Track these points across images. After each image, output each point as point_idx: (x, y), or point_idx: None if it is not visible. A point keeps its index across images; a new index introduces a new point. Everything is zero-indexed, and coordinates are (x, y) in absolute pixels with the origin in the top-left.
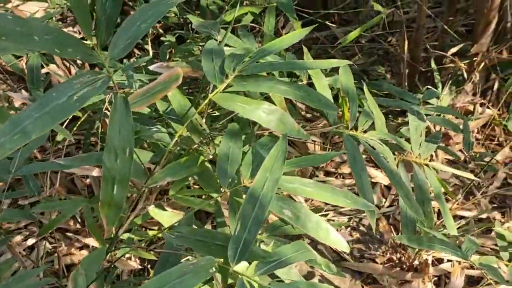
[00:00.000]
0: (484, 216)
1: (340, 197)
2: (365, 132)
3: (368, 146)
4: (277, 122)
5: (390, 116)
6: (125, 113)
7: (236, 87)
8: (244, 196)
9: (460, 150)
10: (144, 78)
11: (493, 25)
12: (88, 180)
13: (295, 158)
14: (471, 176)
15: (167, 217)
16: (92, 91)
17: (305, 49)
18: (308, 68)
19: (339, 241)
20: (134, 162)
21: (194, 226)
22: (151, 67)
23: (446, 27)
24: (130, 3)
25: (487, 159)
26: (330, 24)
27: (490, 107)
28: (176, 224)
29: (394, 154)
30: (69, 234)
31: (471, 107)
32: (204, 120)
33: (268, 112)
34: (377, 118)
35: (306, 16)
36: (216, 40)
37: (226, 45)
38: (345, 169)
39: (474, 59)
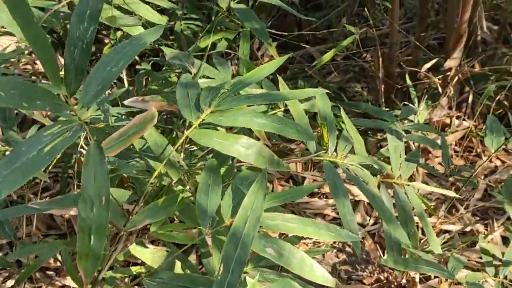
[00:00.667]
0: (468, 229)
1: (323, 230)
2: (346, 156)
3: (349, 172)
4: (256, 156)
5: (369, 132)
6: (99, 160)
7: (212, 122)
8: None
9: (440, 163)
10: (121, 110)
11: (463, 40)
12: (67, 215)
13: (276, 192)
14: (452, 194)
15: (149, 254)
16: (64, 141)
17: (279, 79)
18: (284, 99)
19: (325, 277)
20: (111, 204)
21: (177, 261)
22: (126, 102)
23: (418, 43)
24: (104, 32)
25: (467, 173)
26: (305, 45)
27: (466, 119)
28: (157, 269)
29: (375, 176)
30: (50, 273)
31: (448, 120)
32: (182, 154)
33: (246, 146)
34: (356, 142)
35: (281, 38)
36: (191, 73)
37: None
38: (328, 189)
39: (448, 73)
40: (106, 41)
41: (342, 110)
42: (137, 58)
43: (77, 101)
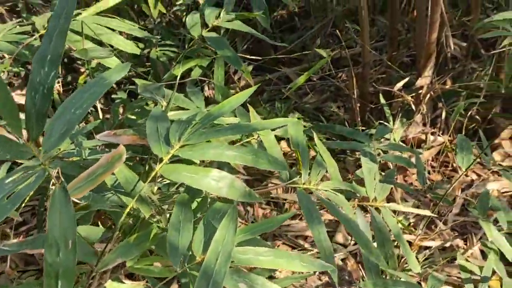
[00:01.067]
0: (447, 244)
1: (296, 261)
2: (321, 180)
3: (323, 198)
4: (228, 188)
5: (347, 151)
6: (65, 203)
7: (182, 156)
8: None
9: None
10: (95, 143)
11: (433, 58)
12: None
13: (248, 225)
14: (427, 212)
15: None
16: (27, 187)
17: (251, 108)
18: (255, 130)
19: None
20: (81, 244)
21: None
22: (98, 137)
23: (389, 63)
24: (79, 61)
25: (441, 191)
26: (279, 69)
27: (441, 135)
28: None
29: (351, 199)
30: None
31: (423, 137)
32: (156, 188)
33: (217, 179)
34: (330, 166)
35: (255, 63)
36: (162, 106)
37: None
38: None
39: (420, 91)
40: (82, 70)
41: (315, 135)
42: (114, 86)
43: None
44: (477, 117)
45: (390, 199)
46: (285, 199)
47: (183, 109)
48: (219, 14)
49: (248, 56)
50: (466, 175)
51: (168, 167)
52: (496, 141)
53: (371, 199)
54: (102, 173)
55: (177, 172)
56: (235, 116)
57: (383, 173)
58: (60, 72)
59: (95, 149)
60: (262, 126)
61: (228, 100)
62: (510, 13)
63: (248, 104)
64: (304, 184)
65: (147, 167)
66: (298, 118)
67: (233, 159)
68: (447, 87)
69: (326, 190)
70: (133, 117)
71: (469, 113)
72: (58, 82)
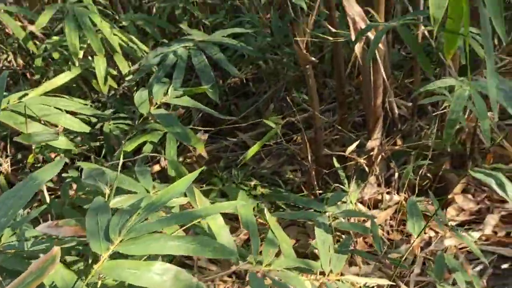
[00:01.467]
0: None
1: None
2: (274, 258)
3: (275, 280)
4: (172, 281)
5: None
6: None
7: (123, 252)
8: None
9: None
10: (38, 233)
11: (381, 120)
12: None
13: None
14: (386, 282)
15: None
16: None
17: (196, 192)
18: (199, 217)
19: None
20: None
21: None
22: (38, 228)
23: (340, 127)
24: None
25: (395, 255)
26: (235, 136)
27: (396, 194)
28: None
29: (307, 274)
30: None
31: (379, 197)
32: (100, 282)
33: (161, 273)
34: (283, 242)
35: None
36: (104, 196)
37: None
38: None
39: (371, 153)
40: (34, 146)
41: (266, 212)
42: (66, 161)
43: None
44: (429, 174)
45: (352, 262)
46: (247, 271)
47: (128, 194)
48: (167, 91)
49: (201, 128)
50: (425, 233)
51: (108, 264)
52: (450, 196)
53: (327, 272)
54: (32, 281)
55: (117, 269)
56: (185, 195)
57: (344, 236)
58: (8, 151)
59: (43, 236)
60: (207, 212)
61: (172, 186)
62: (442, 81)
63: (194, 187)
64: (256, 264)
65: (90, 260)
66: (255, 185)
67: (177, 251)
68: (396, 147)
69: (279, 270)
70: (85, 196)
71: (421, 171)
72: (7, 162)
